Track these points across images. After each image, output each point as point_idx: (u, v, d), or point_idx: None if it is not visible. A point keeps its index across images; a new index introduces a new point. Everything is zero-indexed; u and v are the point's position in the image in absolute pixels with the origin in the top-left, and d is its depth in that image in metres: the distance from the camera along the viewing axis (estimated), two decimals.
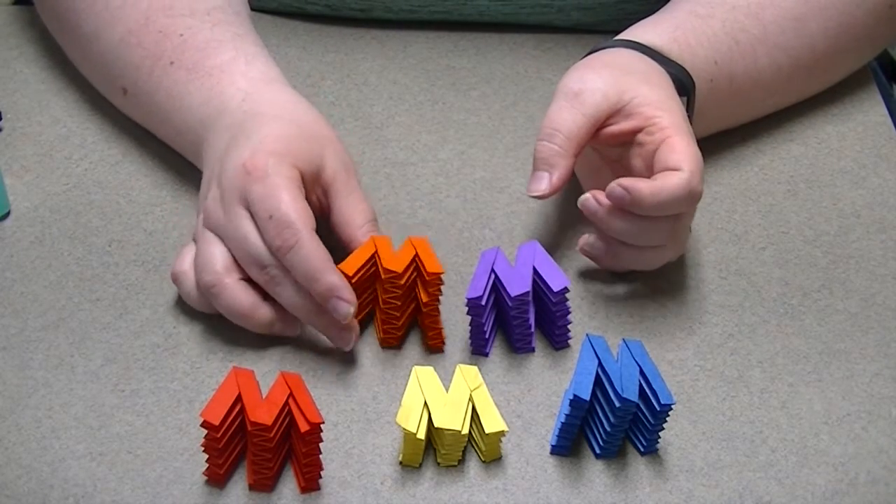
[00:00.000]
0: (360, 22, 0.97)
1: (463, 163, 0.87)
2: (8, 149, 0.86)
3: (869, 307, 0.79)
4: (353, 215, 0.75)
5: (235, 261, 0.72)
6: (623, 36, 0.81)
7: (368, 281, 0.73)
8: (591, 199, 0.74)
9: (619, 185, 0.72)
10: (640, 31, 0.81)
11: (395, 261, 0.71)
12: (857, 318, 0.78)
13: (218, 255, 0.72)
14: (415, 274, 0.72)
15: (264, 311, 0.73)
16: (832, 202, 0.86)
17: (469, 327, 0.74)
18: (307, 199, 0.73)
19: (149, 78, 0.81)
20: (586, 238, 0.77)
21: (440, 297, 0.72)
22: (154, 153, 0.86)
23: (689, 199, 0.72)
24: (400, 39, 0.96)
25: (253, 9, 0.97)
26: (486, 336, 0.74)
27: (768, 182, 0.87)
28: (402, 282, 0.71)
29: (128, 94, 0.84)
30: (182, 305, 0.76)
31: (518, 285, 0.72)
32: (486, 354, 0.75)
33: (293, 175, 0.72)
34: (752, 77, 0.83)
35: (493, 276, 0.73)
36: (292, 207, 0.70)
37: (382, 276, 0.71)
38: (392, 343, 0.74)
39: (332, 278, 0.70)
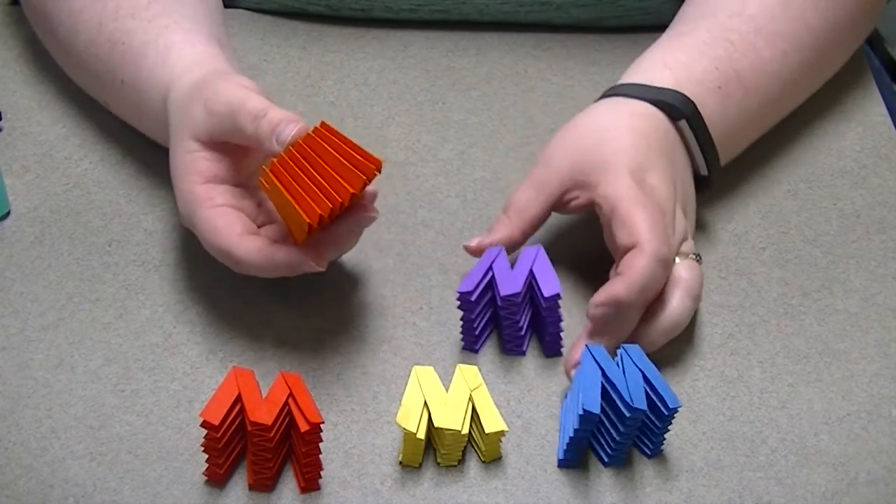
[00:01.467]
0: (360, 22, 0.97)
1: (463, 163, 0.87)
2: (8, 149, 0.86)
3: (869, 307, 0.79)
4: (245, 106, 0.71)
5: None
6: (620, 80, 0.81)
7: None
8: (570, 360, 0.72)
9: (594, 305, 0.70)
10: (633, 73, 0.81)
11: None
12: (857, 318, 0.78)
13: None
14: None
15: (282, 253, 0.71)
16: (832, 202, 0.86)
17: (461, 322, 0.74)
18: (242, 156, 0.73)
19: (112, 93, 0.83)
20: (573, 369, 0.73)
21: None
22: (154, 153, 0.86)
23: (664, 266, 0.71)
24: (400, 39, 0.96)
25: (253, 9, 0.97)
26: (476, 332, 0.74)
27: (768, 182, 0.87)
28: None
29: (110, 107, 0.85)
30: (182, 305, 0.76)
31: (510, 286, 0.72)
32: (476, 351, 0.75)
33: (189, 153, 0.72)
34: (760, 70, 0.82)
35: (490, 273, 0.73)
36: (185, 186, 0.72)
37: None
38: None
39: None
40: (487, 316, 0.75)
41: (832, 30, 0.86)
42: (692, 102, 0.78)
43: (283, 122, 0.69)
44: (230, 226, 0.70)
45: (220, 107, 0.71)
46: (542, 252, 0.74)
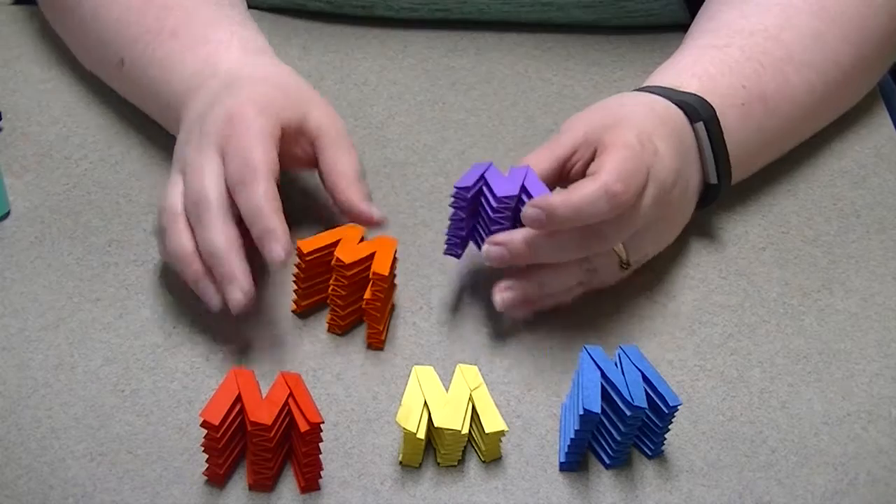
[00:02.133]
0: (360, 21, 0.97)
1: (463, 163, 0.87)
2: (8, 149, 0.86)
3: (869, 307, 0.79)
4: (337, 165, 0.78)
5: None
6: (646, 83, 0.82)
7: (323, 266, 0.74)
8: (494, 247, 0.72)
9: (531, 205, 0.70)
10: (658, 77, 0.82)
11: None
12: (857, 318, 0.78)
13: (179, 195, 0.74)
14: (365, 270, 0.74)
15: (198, 265, 0.73)
16: (832, 202, 0.86)
17: (449, 222, 0.74)
18: (291, 151, 0.78)
19: (145, 50, 0.83)
20: (503, 293, 0.74)
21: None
22: (154, 153, 0.86)
23: (609, 202, 0.70)
24: (400, 39, 0.96)
25: (253, 7, 0.97)
26: (464, 234, 0.74)
27: (768, 182, 0.87)
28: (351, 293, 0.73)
29: (125, 66, 0.85)
30: (182, 305, 0.76)
31: (505, 188, 0.72)
32: (458, 255, 0.75)
33: (272, 127, 0.75)
34: (786, 95, 0.82)
35: (482, 181, 0.74)
36: (261, 154, 0.72)
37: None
38: (336, 331, 0.75)
39: (276, 222, 0.70)
40: (472, 223, 0.75)
41: (859, 64, 0.86)
42: (711, 108, 0.78)
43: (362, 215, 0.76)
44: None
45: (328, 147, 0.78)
46: (532, 171, 0.74)
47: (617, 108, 0.78)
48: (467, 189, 0.73)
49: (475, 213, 0.75)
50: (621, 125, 0.74)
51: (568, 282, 0.74)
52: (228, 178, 0.72)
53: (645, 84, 0.82)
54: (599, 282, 0.76)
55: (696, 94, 0.79)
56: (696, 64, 0.81)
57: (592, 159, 0.74)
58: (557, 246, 0.72)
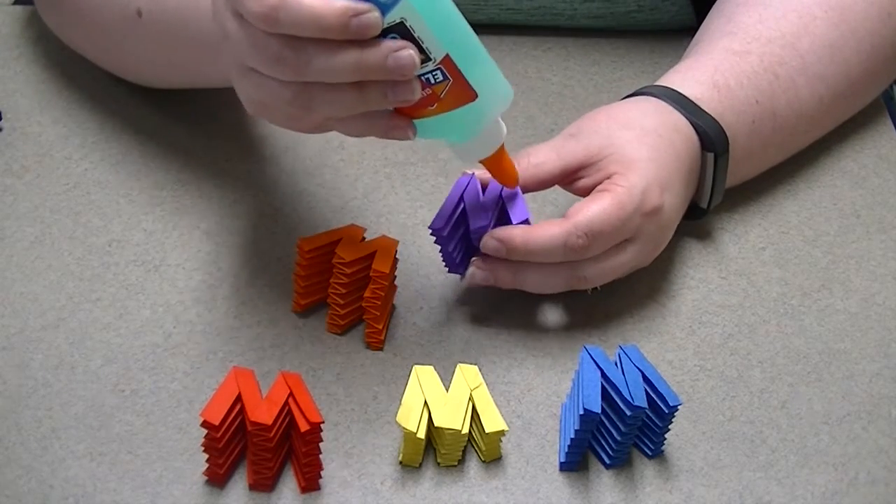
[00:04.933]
0: None
1: (463, 163, 0.87)
2: (8, 149, 0.86)
3: (869, 307, 0.79)
4: None
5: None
6: (665, 82, 0.81)
7: (323, 264, 0.74)
8: (480, 272, 0.75)
9: (492, 237, 0.73)
10: (680, 79, 0.81)
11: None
12: (857, 318, 0.78)
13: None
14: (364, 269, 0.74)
15: None
16: (832, 202, 0.86)
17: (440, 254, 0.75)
18: None
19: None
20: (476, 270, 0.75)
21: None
22: (154, 153, 0.86)
23: (564, 252, 0.72)
24: None
25: None
26: (457, 261, 0.75)
27: (768, 182, 0.87)
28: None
29: (143, 16, 0.79)
30: (182, 305, 0.76)
31: (479, 219, 0.73)
32: (462, 274, 0.76)
33: None
34: (794, 110, 0.82)
35: (462, 204, 0.74)
36: None
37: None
38: (335, 330, 0.75)
39: (340, 2, 0.60)
40: (464, 241, 0.76)
41: (868, 77, 0.87)
42: (727, 141, 0.78)
43: None
44: None
45: None
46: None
47: (639, 132, 0.76)
48: (442, 230, 0.73)
49: (462, 234, 0.75)
50: (637, 162, 0.74)
51: (552, 286, 0.75)
52: (254, 20, 0.61)
53: (665, 82, 0.81)
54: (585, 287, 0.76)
55: (715, 120, 0.78)
56: (716, 72, 0.81)
57: (593, 185, 0.74)
58: (541, 280, 0.74)
